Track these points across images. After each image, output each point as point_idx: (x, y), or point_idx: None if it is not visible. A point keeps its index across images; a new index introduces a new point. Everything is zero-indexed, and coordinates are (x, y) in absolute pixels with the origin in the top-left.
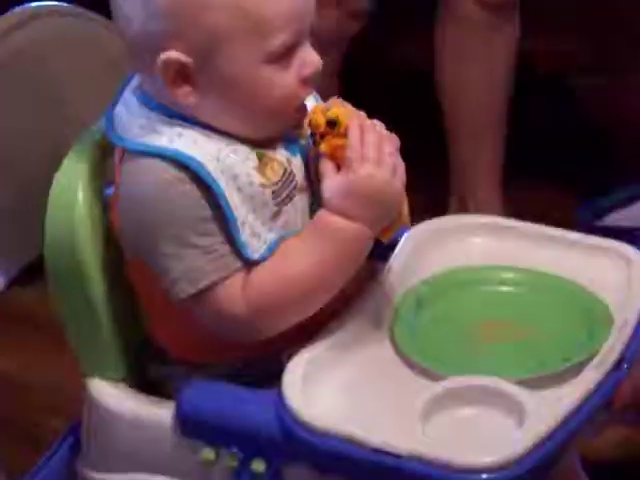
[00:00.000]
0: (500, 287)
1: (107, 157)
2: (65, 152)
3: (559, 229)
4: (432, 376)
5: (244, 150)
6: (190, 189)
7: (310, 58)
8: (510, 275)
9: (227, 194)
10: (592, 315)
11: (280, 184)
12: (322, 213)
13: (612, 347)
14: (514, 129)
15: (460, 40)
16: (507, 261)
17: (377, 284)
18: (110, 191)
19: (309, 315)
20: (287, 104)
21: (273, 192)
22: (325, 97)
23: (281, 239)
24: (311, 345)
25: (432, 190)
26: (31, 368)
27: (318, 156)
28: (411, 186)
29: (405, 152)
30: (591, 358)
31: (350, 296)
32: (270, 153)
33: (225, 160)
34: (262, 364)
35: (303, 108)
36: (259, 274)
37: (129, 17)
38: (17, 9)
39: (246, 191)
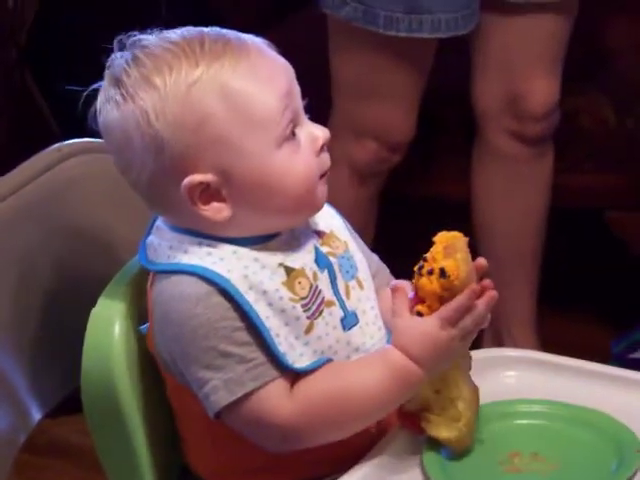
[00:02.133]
0: (532, 420)
1: (144, 292)
2: (103, 285)
3: (593, 363)
4: None
5: (272, 265)
6: (220, 301)
7: (317, 132)
8: (542, 408)
9: (257, 307)
10: (622, 445)
11: (308, 299)
12: (393, 350)
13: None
14: (548, 260)
15: (495, 172)
16: (540, 395)
17: None
18: (145, 326)
19: (345, 437)
20: (312, 179)
21: (303, 306)
22: (364, 222)
23: (328, 359)
24: (346, 475)
25: None
26: None
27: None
28: None
29: None
30: None
31: (385, 425)
32: (298, 267)
33: (253, 277)
34: None
35: (326, 174)
36: (310, 386)
37: (137, 165)
38: (50, 149)
39: (276, 305)
